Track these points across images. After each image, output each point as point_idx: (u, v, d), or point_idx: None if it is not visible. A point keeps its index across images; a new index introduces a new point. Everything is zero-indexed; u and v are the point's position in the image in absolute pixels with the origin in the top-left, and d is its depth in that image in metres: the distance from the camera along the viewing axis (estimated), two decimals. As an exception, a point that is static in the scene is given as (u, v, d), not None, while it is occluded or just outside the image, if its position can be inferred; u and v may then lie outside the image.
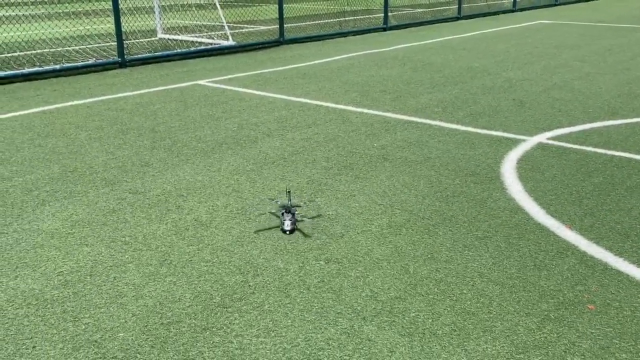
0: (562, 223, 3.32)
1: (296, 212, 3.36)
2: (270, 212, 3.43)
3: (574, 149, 4.62)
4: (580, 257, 2.94)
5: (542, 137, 4.93)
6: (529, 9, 18.75)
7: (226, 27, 10.80)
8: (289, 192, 3.44)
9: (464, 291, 2.63)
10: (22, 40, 10.66)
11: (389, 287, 2.67)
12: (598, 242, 3.10)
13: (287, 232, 3.17)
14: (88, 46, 10.30)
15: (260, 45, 10.74)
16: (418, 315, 2.45)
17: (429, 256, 2.95)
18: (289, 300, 2.57)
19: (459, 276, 2.76)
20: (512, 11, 17.90)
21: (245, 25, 13.76)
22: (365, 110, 5.97)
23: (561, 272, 2.79)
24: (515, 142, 4.81)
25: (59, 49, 9.85)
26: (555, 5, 20.36)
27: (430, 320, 2.41)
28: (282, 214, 3.26)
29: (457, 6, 15.73)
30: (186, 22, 13.41)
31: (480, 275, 2.77)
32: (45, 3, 17.97)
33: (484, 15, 16.67)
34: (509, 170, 4.17)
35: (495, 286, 2.67)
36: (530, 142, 4.82)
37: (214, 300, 2.57)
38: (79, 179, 4.08)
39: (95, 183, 4.01)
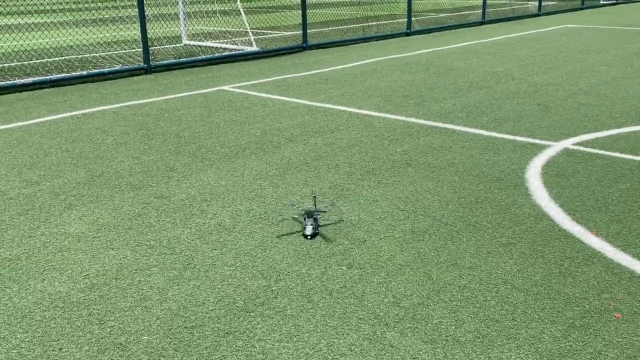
0: (588, 230, 3.28)
1: (319, 217, 3.36)
2: (293, 217, 3.45)
3: (600, 155, 4.55)
4: (607, 264, 2.90)
5: (568, 143, 4.87)
6: (554, 13, 18.56)
7: (250, 33, 10.88)
8: (314, 197, 3.45)
9: (488, 298, 2.61)
10: (50, 46, 10.87)
11: (411, 293, 2.66)
12: (625, 249, 3.05)
13: (308, 237, 3.18)
14: (114, 52, 10.46)
15: (284, 51, 10.79)
16: (441, 322, 2.44)
17: (453, 262, 2.94)
18: (312, 305, 2.58)
19: (483, 283, 2.74)
20: (537, 15, 17.72)
21: (269, 31, 13.85)
22: (388, 116, 5.96)
23: (587, 280, 2.75)
24: (540, 148, 4.76)
25: (86, 56, 10.02)
26: (581, 9, 20.12)
27: (453, 327, 2.40)
28: (305, 218, 3.28)
29: (481, 10, 15.63)
30: (211, 28, 13.54)
31: (504, 282, 2.75)
32: (73, 10, 18.30)
33: (509, 19, 16.54)
34: (533, 176, 4.12)
35: (520, 293, 2.64)
36: (555, 147, 4.76)
37: (237, 305, 2.59)
38: (105, 184, 4.14)
39: (121, 187, 4.07)
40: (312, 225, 3.21)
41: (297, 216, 3.46)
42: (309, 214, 3.27)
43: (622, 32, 13.02)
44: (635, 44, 10.99)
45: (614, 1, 23.02)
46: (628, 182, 3.97)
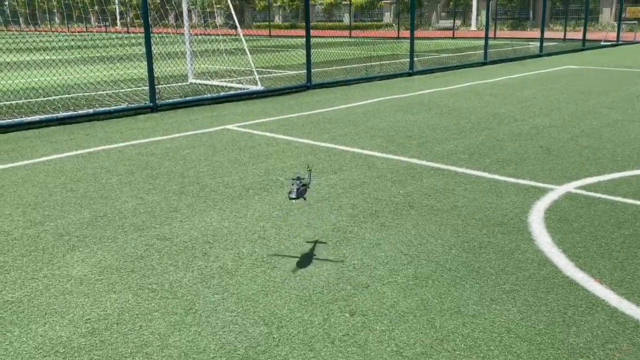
0: (592, 277, 3.26)
1: (307, 184, 3.53)
2: (279, 179, 3.55)
3: (603, 199, 4.56)
4: (611, 313, 2.88)
5: (570, 187, 4.88)
6: (555, 54, 18.80)
7: (255, 72, 11.03)
8: (310, 170, 3.62)
9: (491, 347, 2.59)
10: (58, 84, 11.02)
11: (414, 342, 2.64)
12: (629, 297, 3.03)
13: (294, 199, 3.36)
14: (121, 91, 10.60)
15: (288, 90, 10.93)
16: (444, 372, 2.41)
17: (456, 310, 2.92)
18: (313, 354, 2.56)
19: (486, 331, 2.72)
20: (539, 56, 17.96)
21: (274, 70, 14.05)
22: (391, 156, 6.00)
23: (591, 329, 2.73)
24: (542, 191, 4.77)
25: (92, 94, 10.15)
26: (582, 50, 20.39)
27: (456, 378, 2.37)
28: (292, 183, 3.44)
29: (483, 51, 15.85)
30: (216, 67, 13.73)
31: (507, 330, 2.72)
32: (80, 48, 18.61)
33: (510, 60, 16.75)
34: (536, 220, 4.13)
35: (523, 343, 2.62)
36: (558, 191, 4.77)
37: (238, 352, 2.57)
38: (108, 224, 4.16)
39: (125, 228, 4.08)
40: (297, 188, 3.37)
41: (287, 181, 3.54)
42: (298, 179, 3.44)
43: (623, 74, 13.16)
44: (635, 85, 11.09)
45: (614, 42, 23.33)
46: (631, 228, 3.96)
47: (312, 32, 11.72)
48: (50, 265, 3.50)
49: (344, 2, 46.82)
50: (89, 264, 3.51)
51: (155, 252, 3.66)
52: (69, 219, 4.28)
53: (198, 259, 3.55)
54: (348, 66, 14.97)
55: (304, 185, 3.44)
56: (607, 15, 38.34)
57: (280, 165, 5.67)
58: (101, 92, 10.44)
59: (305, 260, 3.50)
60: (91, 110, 8.27)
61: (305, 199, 3.51)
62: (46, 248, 3.76)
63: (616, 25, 25.42)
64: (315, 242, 3.48)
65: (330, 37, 30.34)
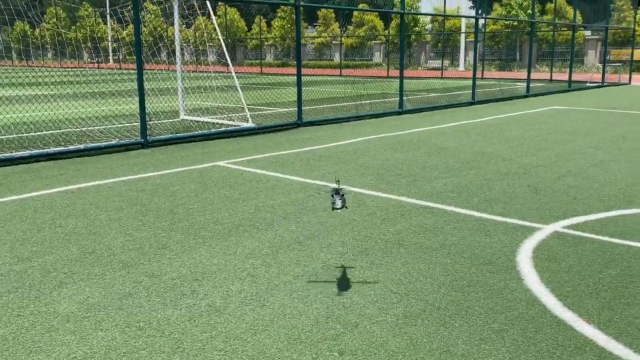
0: (580, 316, 3.27)
1: (344, 193, 3.82)
2: (321, 193, 4.00)
3: (590, 239, 4.60)
4: (599, 353, 2.88)
5: (558, 226, 4.93)
6: (542, 95, 19.14)
7: (246, 110, 11.13)
8: (338, 181, 3.94)
9: (481, 388, 2.58)
10: (49, 119, 11.05)
11: (403, 382, 2.62)
12: (617, 337, 3.04)
13: (339, 209, 3.71)
14: (112, 126, 10.64)
15: (279, 127, 11.01)
16: (433, 413, 2.40)
17: (445, 349, 2.91)
18: (302, 393, 2.53)
19: (475, 371, 2.71)
20: (526, 96, 18.27)
21: (265, 107, 14.17)
22: (381, 194, 6.04)
23: (580, 370, 2.73)
24: (530, 231, 4.81)
25: (83, 129, 10.18)
26: (568, 91, 20.77)
27: (446, 419, 2.36)
28: (332, 195, 3.77)
29: (471, 91, 16.11)
30: (208, 103, 13.85)
31: (497, 370, 2.72)
32: (72, 83, 18.72)
33: (498, 100, 17.03)
34: (525, 259, 4.15)
35: (513, 383, 2.61)
36: (545, 230, 4.81)
37: (226, 392, 2.54)
38: (96, 261, 4.13)
39: (113, 265, 4.05)
40: (340, 200, 3.72)
41: (325, 193, 3.96)
42: (336, 191, 3.77)
43: (608, 115, 13.40)
44: (620, 126, 11.29)
45: (599, 84, 23.81)
46: (618, 268, 3.99)
47: (303, 71, 11.88)
48: (37, 302, 3.47)
49: (334, 42, 47.58)
50: (76, 301, 3.48)
51: (143, 290, 3.64)
52: (57, 255, 4.26)
53: (186, 297, 3.53)
54: (338, 104, 15.15)
55: (343, 195, 3.80)
56: (592, 57, 39.22)
57: (270, 203, 5.68)
58: (92, 127, 10.47)
59: (294, 298, 3.49)
60: (82, 146, 8.28)
61: (346, 207, 3.87)
62: (33, 284, 3.72)
63: (601, 67, 25.98)
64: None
65: (321, 75, 30.74)
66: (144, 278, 3.82)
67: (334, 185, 4.02)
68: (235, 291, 3.61)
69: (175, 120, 11.55)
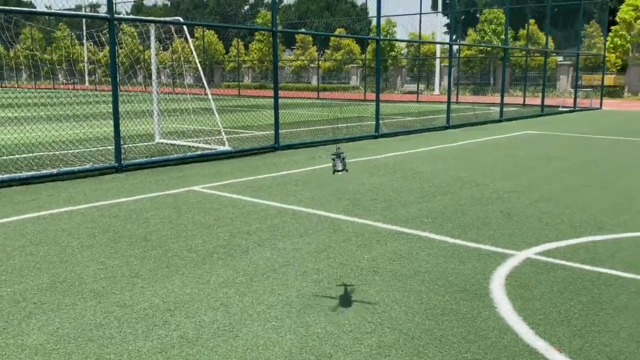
0: (551, 345, 3.30)
1: (344, 157, 4.05)
2: (322, 156, 4.04)
3: (562, 265, 4.66)
4: (571, 382, 2.91)
5: (530, 252, 4.99)
6: (515, 119, 19.46)
7: (223, 133, 11.12)
8: (338, 147, 4.13)
9: (454, 420, 2.58)
10: (22, 143, 10.90)
11: (376, 415, 2.61)
12: (588, 366, 3.07)
13: (340, 172, 3.99)
14: (86, 150, 10.54)
15: (256, 151, 11.01)
16: None
17: (418, 380, 2.91)
18: None
19: (448, 403, 2.71)
20: (499, 121, 18.56)
21: (242, 130, 14.17)
22: (357, 220, 6.05)
23: (552, 400, 2.75)
24: (503, 257, 4.86)
25: (57, 153, 10.06)
26: (541, 115, 21.16)
27: None
28: (334, 159, 4.01)
29: (445, 115, 16.32)
30: (184, 126, 13.81)
31: (469, 402, 2.72)
32: (46, 105, 18.53)
33: (472, 124, 17.27)
34: (497, 287, 4.19)
35: (485, 414, 2.62)
36: (518, 257, 4.87)
37: None
38: (67, 290, 4.06)
39: (84, 295, 3.99)
40: (341, 162, 3.97)
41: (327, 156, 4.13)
42: (338, 156, 4.01)
43: (580, 139, 13.67)
44: (593, 151, 11.52)
45: (571, 108, 24.31)
46: (589, 295, 4.05)
47: (281, 93, 11.95)
48: (5, 333, 3.39)
49: (312, 65, 47.95)
50: (45, 332, 3.41)
51: (115, 320, 3.58)
52: (27, 284, 4.18)
53: (158, 328, 3.48)
54: (316, 127, 15.22)
55: (344, 159, 4.01)
56: (564, 82, 40.06)
57: (245, 229, 5.66)
58: (66, 151, 10.36)
59: (268, 328, 3.46)
60: (55, 171, 8.17)
61: (347, 171, 4.14)
62: (1, 315, 3.64)
63: (573, 92, 26.56)
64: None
65: (299, 98, 30.89)
66: (116, 308, 3.76)
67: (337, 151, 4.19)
68: (208, 322, 3.57)
69: (151, 143, 11.48)
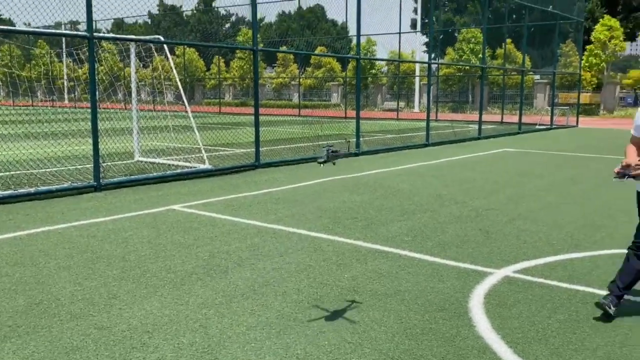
0: (530, 364, 3.33)
1: (337, 154, 3.83)
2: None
3: (539, 283, 4.71)
4: (549, 401, 2.93)
5: (509, 270, 5.03)
6: (493, 137, 19.69)
7: (203, 151, 11.09)
8: (348, 142, 3.79)
9: None
10: (-1, 161, 10.76)
11: None
12: (566, 385, 3.09)
13: (321, 162, 3.75)
14: (64, 168, 10.43)
15: (236, 169, 10.99)
16: None
17: (398, 401, 2.91)
18: None
19: None
20: (478, 138, 18.78)
21: (222, 148, 14.15)
22: (337, 238, 6.06)
23: (530, 419, 2.76)
24: (482, 275, 4.90)
25: (34, 171, 9.94)
26: (518, 133, 21.44)
27: None
28: (325, 149, 3.78)
29: (425, 133, 16.47)
30: (164, 144, 13.75)
31: (449, 422, 2.73)
32: (24, 123, 18.33)
33: (451, 142, 17.44)
34: (476, 305, 4.21)
35: None
36: (496, 275, 4.91)
37: None
38: (44, 312, 4.00)
39: (61, 317, 3.93)
40: (325, 153, 3.72)
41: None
42: (329, 148, 3.77)
43: (557, 157, 13.86)
44: (569, 169, 11.69)
45: (548, 126, 24.67)
46: (566, 313, 4.09)
47: (262, 110, 11.96)
48: (-22, 358, 3.33)
49: (293, 82, 48.15)
50: (20, 356, 3.35)
51: (92, 343, 3.53)
52: (1, 306, 4.11)
53: (136, 350, 3.44)
54: (296, 145, 15.25)
55: (334, 151, 3.80)
56: (541, 100, 40.68)
57: (225, 248, 5.64)
58: (44, 169, 10.24)
59: (247, 350, 3.45)
60: (32, 190, 8.08)
61: (334, 164, 3.93)
62: (-26, 339, 3.58)
63: (550, 109, 26.98)
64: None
65: (280, 115, 30.96)
66: (93, 330, 3.72)
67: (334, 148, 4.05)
68: (187, 344, 3.54)
69: (130, 161, 11.41)
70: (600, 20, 39.89)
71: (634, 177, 3.88)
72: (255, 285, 4.61)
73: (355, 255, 5.47)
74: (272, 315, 4.00)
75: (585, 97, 36.24)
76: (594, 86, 39.17)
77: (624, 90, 42.79)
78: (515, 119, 24.08)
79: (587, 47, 38.52)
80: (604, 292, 4.15)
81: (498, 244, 5.88)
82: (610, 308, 3.92)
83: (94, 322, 3.85)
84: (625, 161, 3.97)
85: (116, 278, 4.74)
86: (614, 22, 38.85)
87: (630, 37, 49.79)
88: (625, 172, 3.87)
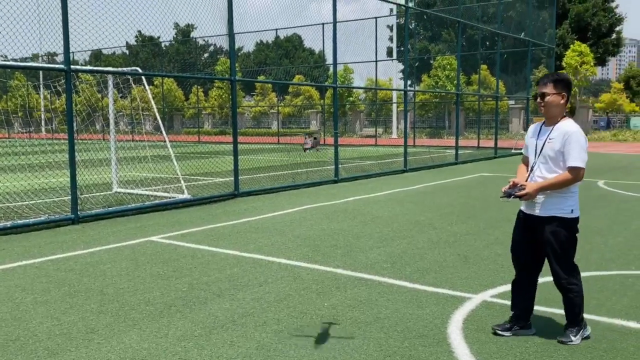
0: (508, 388, 3.36)
1: (317, 137, 4.15)
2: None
3: (517, 307, 4.76)
4: None
5: (487, 295, 5.09)
6: (470, 162, 19.96)
7: (181, 180, 11.08)
8: (318, 130, 3.99)
9: None
10: (-26, 195, 10.63)
11: None
12: (543, 408, 3.13)
13: (307, 150, 4.12)
14: (41, 201, 10.33)
15: (215, 199, 10.98)
16: None
17: None
18: None
19: None
20: (455, 164, 19.01)
21: (201, 177, 14.14)
22: (317, 267, 6.08)
23: None
24: (460, 301, 4.95)
25: (10, 205, 9.84)
26: (495, 157, 21.76)
27: None
28: (306, 137, 4.09)
29: (403, 159, 16.64)
30: (143, 174, 13.70)
31: None
32: (2, 155, 18.15)
33: (429, 167, 17.63)
34: (455, 331, 4.25)
35: None
36: (475, 300, 4.96)
37: None
38: (20, 349, 3.95)
39: (38, 353, 3.88)
40: (311, 141, 4.06)
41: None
42: (310, 134, 4.12)
43: (532, 181, 14.06)
44: (544, 192, 11.86)
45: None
46: (543, 336, 4.15)
47: (241, 139, 12.02)
48: (-48, 398, 3.27)
49: (272, 111, 48.41)
50: (-5, 395, 3.30)
51: (70, 379, 3.50)
52: (-24, 344, 4.05)
53: (115, 385, 3.41)
54: (276, 173, 15.30)
55: (316, 138, 4.13)
56: (516, 124, 41.40)
57: (204, 279, 5.62)
58: (20, 202, 10.14)
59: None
60: (9, 223, 7.98)
61: (318, 150, 4.31)
62: (-52, 379, 3.52)
63: (524, 133, 27.45)
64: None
65: (259, 143, 31.04)
66: (70, 366, 3.68)
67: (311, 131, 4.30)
68: (167, 377, 3.52)
69: (108, 193, 11.34)
70: (571, 46, 40.92)
71: (519, 197, 4.01)
72: (235, 316, 4.60)
73: (334, 283, 5.49)
74: (252, 346, 4.00)
75: (558, 121, 36.85)
76: (567, 110, 39.94)
77: (597, 114, 43.77)
78: (492, 143, 24.46)
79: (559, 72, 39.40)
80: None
81: (476, 269, 5.95)
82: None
83: (72, 358, 3.81)
84: (513, 180, 4.13)
85: (94, 312, 4.70)
86: (584, 48, 39.89)
87: (600, 62, 51.11)
88: (511, 192, 4.02)
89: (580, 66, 39.23)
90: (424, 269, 5.98)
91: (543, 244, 4.04)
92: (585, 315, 4.20)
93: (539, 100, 4.14)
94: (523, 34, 25.36)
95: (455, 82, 31.43)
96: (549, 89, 4.09)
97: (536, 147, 4.18)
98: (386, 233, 7.77)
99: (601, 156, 21.79)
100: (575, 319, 4.02)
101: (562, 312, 4.63)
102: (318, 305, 4.85)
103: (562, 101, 4.09)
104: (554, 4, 30.13)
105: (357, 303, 4.90)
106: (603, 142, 33.47)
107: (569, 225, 4.03)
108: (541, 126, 4.26)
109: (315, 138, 4.17)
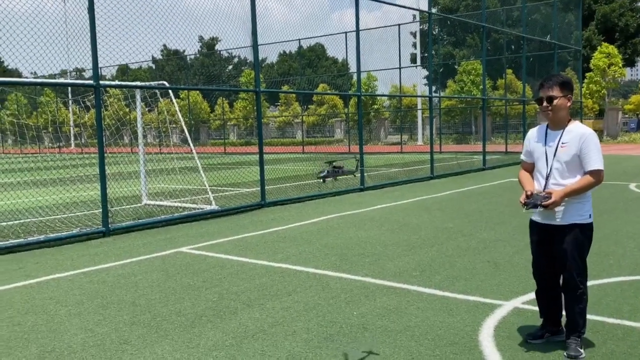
0: (542, 396, 3.32)
1: (339, 171, 3.87)
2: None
3: (549, 314, 4.69)
4: None
5: (518, 302, 5.03)
6: (498, 167, 19.75)
7: (209, 192, 11.18)
8: (357, 160, 3.94)
9: None
10: (7, 210, 10.88)
11: None
12: (579, 416, 3.08)
13: (320, 178, 3.74)
14: (72, 214, 10.53)
15: (243, 209, 11.06)
16: None
17: None
18: None
19: None
20: (483, 169, 18.83)
21: (228, 188, 14.25)
22: (345, 275, 6.08)
23: None
24: (491, 308, 4.90)
25: (43, 219, 10.04)
26: (523, 162, 21.46)
27: None
28: (327, 170, 3.72)
29: (429, 165, 16.55)
30: (171, 186, 13.86)
31: None
32: (32, 170, 18.56)
33: (456, 174, 17.49)
34: (487, 338, 4.21)
35: None
36: (506, 307, 4.91)
37: None
38: (55, 361, 4.03)
39: (72, 364, 3.95)
40: (327, 170, 3.76)
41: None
42: (331, 163, 3.79)
43: (562, 185, 13.86)
44: (574, 196, 11.68)
45: (552, 154, 24.69)
46: (577, 343, 4.08)
47: (266, 149, 12.09)
48: (-8, 409, 3.35)
49: (296, 120, 48.62)
50: (33, 406, 3.37)
51: (104, 390, 3.55)
52: (14, 355, 4.14)
53: (149, 396, 3.46)
54: (301, 182, 15.34)
55: (337, 167, 3.90)
56: (543, 128, 40.77)
57: (234, 289, 5.66)
58: (53, 216, 10.34)
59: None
60: (42, 237, 8.16)
61: (336, 180, 4.02)
62: (-12, 390, 3.60)
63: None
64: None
65: (284, 153, 31.18)
66: (105, 377, 3.73)
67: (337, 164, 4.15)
68: (199, 387, 3.55)
69: (138, 205, 11.50)
70: (599, 47, 40.30)
71: (545, 206, 3.88)
72: (265, 325, 4.62)
73: (363, 292, 5.48)
74: (282, 355, 4.01)
75: (588, 124, 36.33)
76: (596, 113, 39.35)
77: (626, 116, 42.97)
78: (520, 148, 24.14)
79: (587, 74, 38.83)
80: (614, 321, 4.14)
81: (506, 275, 5.88)
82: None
83: (106, 369, 3.87)
84: (528, 190, 4.00)
85: (127, 323, 4.77)
86: (612, 49, 39.22)
87: (629, 63, 50.24)
88: (535, 203, 3.87)
89: (609, 68, 38.59)
90: (453, 276, 5.93)
91: (562, 251, 3.94)
92: (619, 321, 4.13)
93: (545, 104, 4.03)
94: (549, 36, 25.07)
95: (481, 87, 31.22)
96: (556, 91, 3.98)
97: (546, 153, 4.07)
98: (414, 241, 7.73)
99: (632, 158, 21.39)
100: (577, 325, 3.90)
101: (594, 317, 4.56)
102: (347, 314, 4.84)
103: (569, 103, 4.03)
104: (580, 6, 29.76)
105: (386, 312, 4.89)
106: (634, 144, 32.85)
107: (588, 230, 3.97)
108: (546, 130, 4.16)
109: (334, 167, 4.14)
